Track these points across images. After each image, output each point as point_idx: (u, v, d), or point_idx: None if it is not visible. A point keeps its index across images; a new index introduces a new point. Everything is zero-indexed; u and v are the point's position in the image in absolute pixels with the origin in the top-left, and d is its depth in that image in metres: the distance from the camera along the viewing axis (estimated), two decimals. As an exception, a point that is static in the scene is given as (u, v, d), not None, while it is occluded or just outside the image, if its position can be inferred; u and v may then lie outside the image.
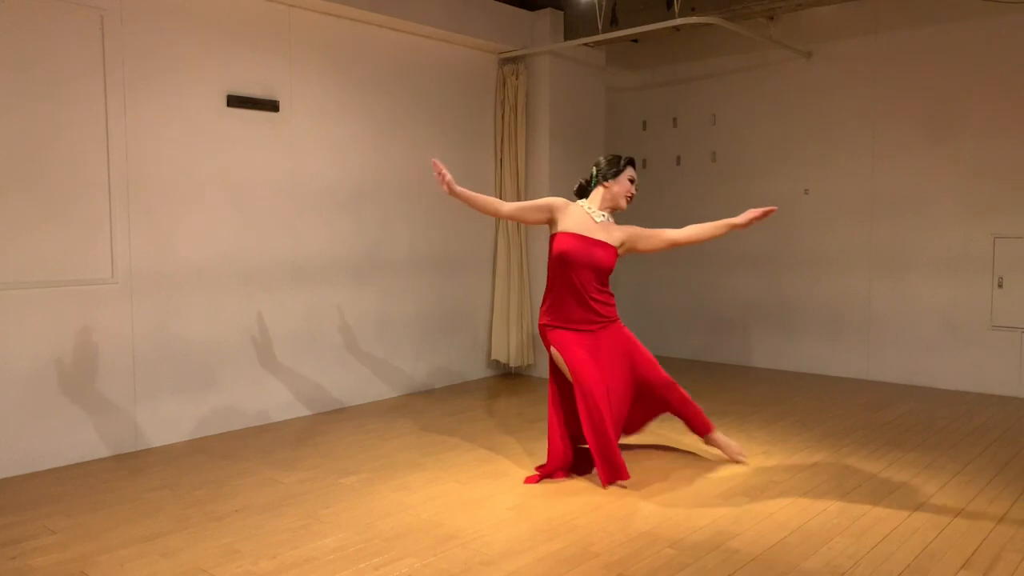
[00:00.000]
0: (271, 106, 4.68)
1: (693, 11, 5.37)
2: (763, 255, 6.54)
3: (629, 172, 3.84)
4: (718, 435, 3.91)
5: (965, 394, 5.43)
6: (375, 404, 5.25)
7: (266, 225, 4.71)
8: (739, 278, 6.69)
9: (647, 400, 3.87)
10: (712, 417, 4.03)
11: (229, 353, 4.55)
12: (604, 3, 5.60)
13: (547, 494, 3.43)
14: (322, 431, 4.57)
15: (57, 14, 3.81)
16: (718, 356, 6.82)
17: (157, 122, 4.19)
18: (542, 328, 3.78)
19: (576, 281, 3.65)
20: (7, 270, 3.69)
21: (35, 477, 3.71)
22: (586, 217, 3.74)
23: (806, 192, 6.29)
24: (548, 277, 3.78)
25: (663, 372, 3.84)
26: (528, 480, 3.60)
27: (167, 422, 4.28)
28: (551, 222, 3.77)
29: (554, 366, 3.78)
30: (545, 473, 3.64)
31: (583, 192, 3.91)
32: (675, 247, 3.87)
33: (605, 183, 3.80)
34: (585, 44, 6.13)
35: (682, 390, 3.86)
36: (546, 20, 6.03)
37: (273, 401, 4.78)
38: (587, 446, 3.71)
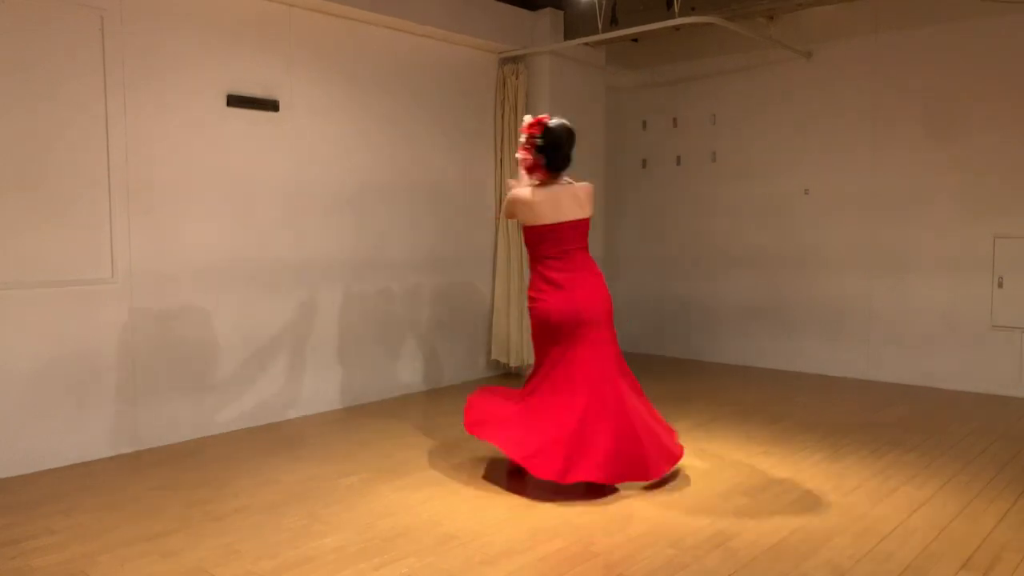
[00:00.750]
0: (271, 106, 4.68)
1: (693, 11, 5.37)
2: (763, 255, 6.54)
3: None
4: None
5: (965, 394, 5.43)
6: (375, 404, 5.25)
7: (266, 225, 4.71)
8: (739, 278, 6.69)
9: None
10: (712, 417, 4.03)
11: (229, 353, 4.55)
12: (604, 3, 5.60)
13: (547, 494, 3.42)
14: (322, 431, 4.57)
15: (57, 14, 3.81)
16: (718, 356, 6.82)
17: (157, 122, 4.19)
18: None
19: None
20: (7, 270, 3.69)
21: (35, 477, 3.71)
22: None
23: (806, 192, 6.29)
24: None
25: None
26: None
27: (167, 422, 4.28)
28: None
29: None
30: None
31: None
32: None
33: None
34: (585, 44, 6.13)
35: None
36: (546, 20, 6.03)
37: (273, 401, 4.78)
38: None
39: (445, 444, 4.24)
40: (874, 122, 5.91)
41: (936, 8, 5.61)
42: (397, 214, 5.47)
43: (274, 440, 4.36)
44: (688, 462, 3.87)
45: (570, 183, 3.69)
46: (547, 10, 6.02)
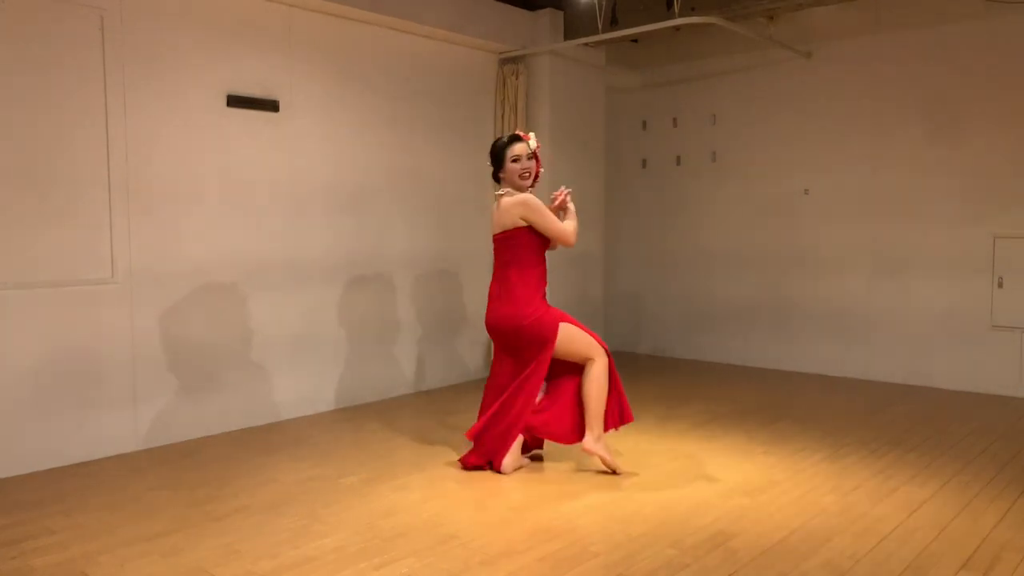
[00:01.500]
0: (271, 106, 4.68)
1: (693, 11, 5.37)
2: (763, 255, 6.54)
3: (510, 154, 3.80)
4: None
5: (965, 394, 5.43)
6: (375, 404, 5.25)
7: (266, 225, 4.71)
8: (739, 278, 6.69)
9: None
10: (712, 417, 4.02)
11: (229, 353, 4.55)
12: (604, 3, 5.60)
13: (547, 494, 3.43)
14: (322, 431, 4.57)
15: (57, 15, 3.81)
16: (718, 356, 6.82)
17: (157, 122, 4.19)
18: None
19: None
20: (7, 270, 3.69)
21: (35, 477, 3.70)
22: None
23: (806, 192, 6.29)
24: (533, 272, 3.87)
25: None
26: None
27: (167, 422, 4.28)
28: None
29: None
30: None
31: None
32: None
33: (501, 175, 3.86)
34: (585, 44, 6.13)
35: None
36: (546, 20, 6.03)
37: (273, 401, 4.78)
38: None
39: (445, 444, 4.24)
40: (874, 122, 5.91)
41: (936, 8, 5.61)
42: (397, 214, 5.47)
43: (274, 440, 4.36)
44: (688, 462, 3.88)
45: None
46: (547, 10, 6.02)
